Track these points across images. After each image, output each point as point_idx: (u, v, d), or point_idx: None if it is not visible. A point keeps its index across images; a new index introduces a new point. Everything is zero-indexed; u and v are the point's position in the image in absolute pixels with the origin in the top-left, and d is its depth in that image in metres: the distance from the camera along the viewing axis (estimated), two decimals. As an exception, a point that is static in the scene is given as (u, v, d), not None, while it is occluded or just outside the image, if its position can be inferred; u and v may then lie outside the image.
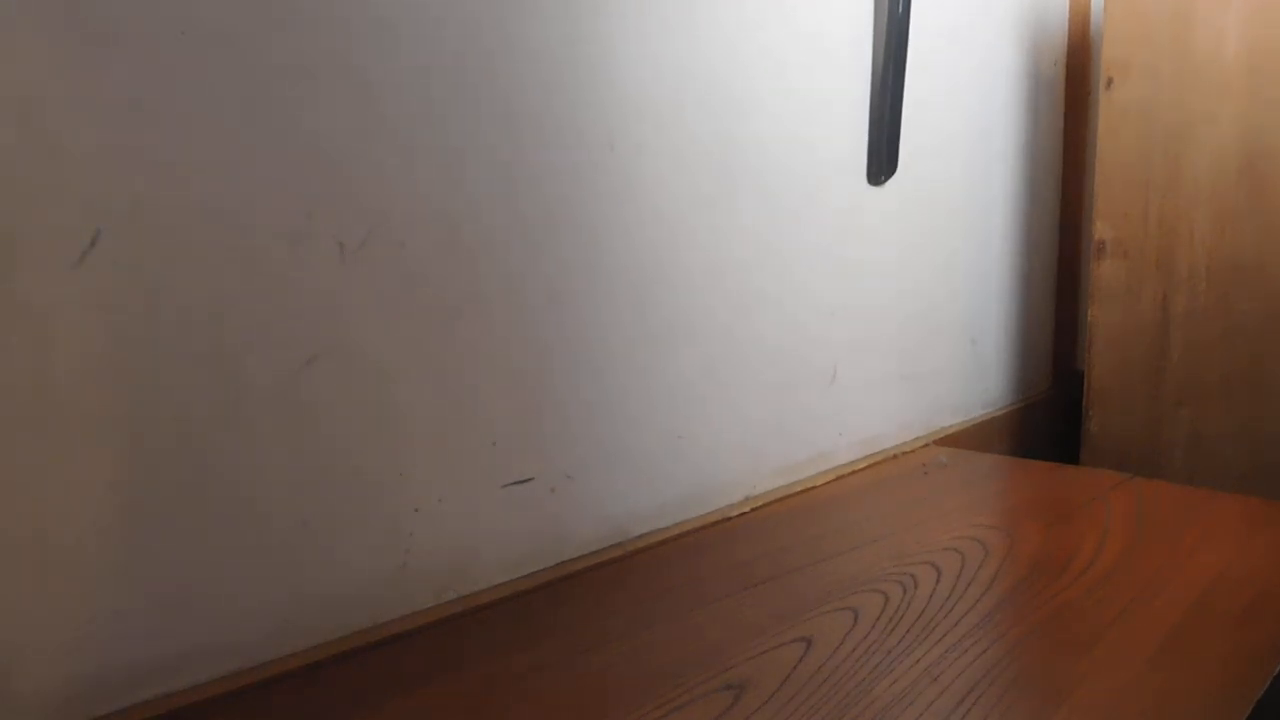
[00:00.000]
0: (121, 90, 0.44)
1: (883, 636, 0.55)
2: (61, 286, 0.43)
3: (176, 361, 0.46)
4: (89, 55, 0.43)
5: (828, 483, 0.86)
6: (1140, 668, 0.52)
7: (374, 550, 0.55)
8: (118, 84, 0.44)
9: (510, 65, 0.59)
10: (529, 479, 0.63)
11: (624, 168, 0.66)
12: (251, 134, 0.48)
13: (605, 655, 0.53)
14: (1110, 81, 1.07)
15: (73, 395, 0.43)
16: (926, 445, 1.00)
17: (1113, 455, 1.10)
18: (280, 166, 0.49)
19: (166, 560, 0.47)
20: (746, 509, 0.77)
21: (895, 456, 0.95)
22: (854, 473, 0.89)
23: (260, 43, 0.48)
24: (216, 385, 0.48)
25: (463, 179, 0.57)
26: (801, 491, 0.83)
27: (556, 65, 0.61)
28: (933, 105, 0.98)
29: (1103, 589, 0.62)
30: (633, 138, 0.67)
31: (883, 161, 0.90)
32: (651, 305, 0.70)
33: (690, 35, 0.70)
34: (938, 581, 0.63)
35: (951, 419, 1.08)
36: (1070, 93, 1.26)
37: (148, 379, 0.45)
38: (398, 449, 0.55)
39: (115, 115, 0.44)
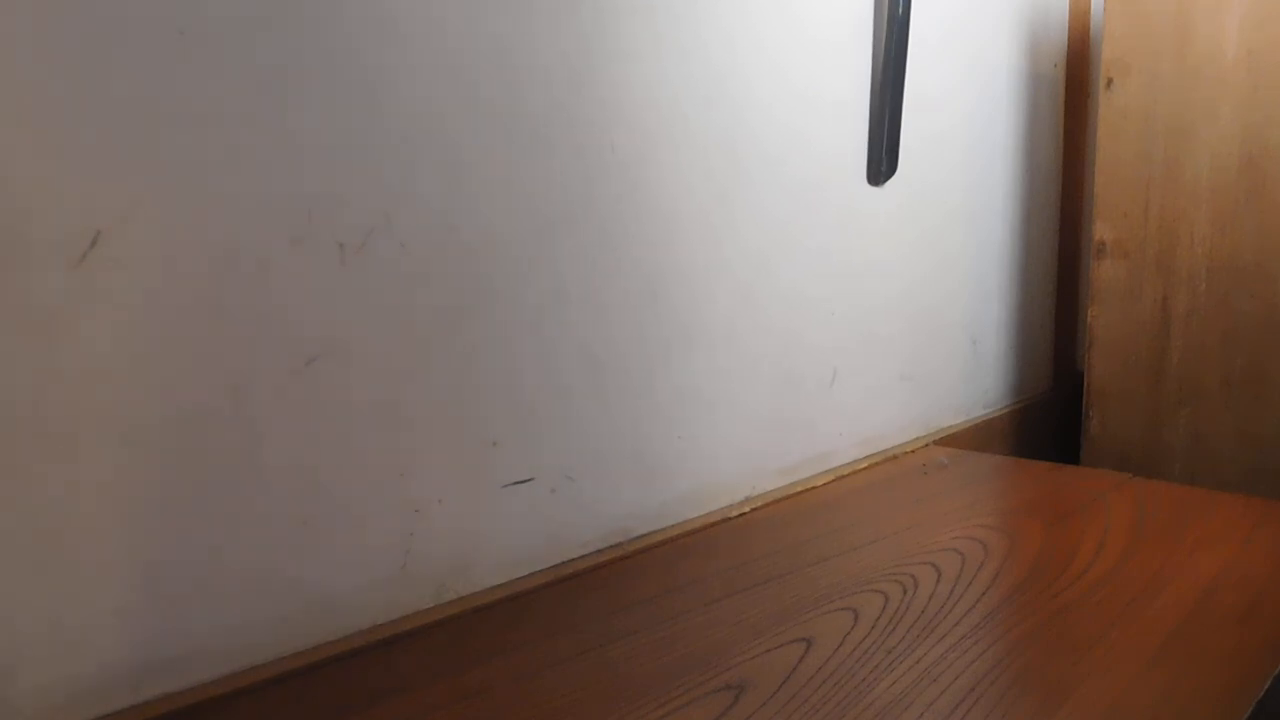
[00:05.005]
0: (121, 90, 0.44)
1: (883, 637, 0.55)
2: (62, 286, 0.43)
3: (178, 361, 0.46)
4: (89, 55, 0.43)
5: (828, 483, 0.86)
6: (1141, 668, 0.52)
7: (374, 550, 0.55)
8: (118, 84, 0.44)
9: (511, 65, 0.59)
10: (529, 479, 0.63)
11: (624, 168, 0.66)
12: (251, 134, 0.48)
13: (604, 655, 0.53)
14: (1110, 82, 1.07)
15: (73, 395, 0.43)
16: (927, 445, 1.00)
17: (1113, 455, 1.10)
18: (280, 166, 0.49)
19: (166, 560, 0.47)
20: (747, 509, 0.77)
21: (895, 457, 0.95)
22: (854, 473, 0.89)
23: (261, 42, 0.48)
24: (217, 385, 0.48)
25: (463, 180, 0.57)
26: (802, 492, 0.83)
27: (558, 66, 0.61)
28: (933, 106, 0.98)
29: (1103, 589, 0.62)
30: (634, 139, 0.67)
31: (883, 162, 0.90)
32: (651, 306, 0.70)
33: (691, 36, 0.70)
34: (938, 582, 0.63)
35: (952, 419, 1.08)
36: (1070, 93, 1.26)
37: (149, 379, 0.45)
38: (398, 449, 0.55)
39: (115, 115, 0.44)
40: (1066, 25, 1.25)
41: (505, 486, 0.61)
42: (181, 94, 0.46)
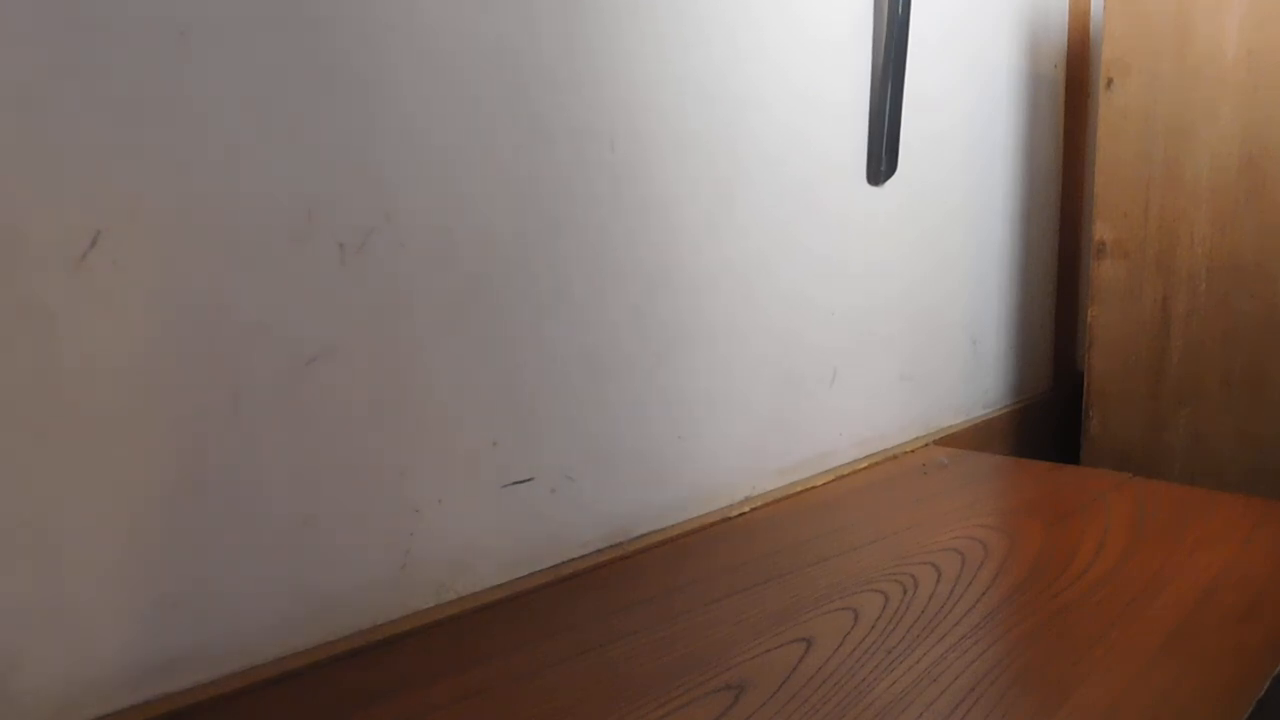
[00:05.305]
0: (122, 89, 0.44)
1: (883, 637, 0.55)
2: (63, 286, 0.43)
3: (178, 361, 0.46)
4: (89, 54, 0.43)
5: (828, 483, 0.86)
6: (1141, 667, 0.52)
7: (374, 550, 0.55)
8: (118, 83, 0.44)
9: (510, 65, 0.59)
10: (529, 479, 0.63)
11: (624, 168, 0.66)
12: (252, 134, 0.48)
13: (604, 655, 0.53)
14: (1110, 82, 1.07)
15: (74, 395, 0.43)
16: (927, 445, 1.00)
17: (1113, 455, 1.10)
18: (280, 166, 0.49)
19: (167, 560, 0.47)
20: (747, 509, 0.77)
21: (895, 457, 0.95)
22: (854, 473, 0.89)
23: (260, 43, 0.48)
24: (218, 385, 0.48)
25: (462, 179, 0.57)
26: (802, 491, 0.83)
27: (557, 65, 0.61)
28: (933, 106, 0.98)
29: (1103, 589, 0.62)
30: (633, 138, 0.67)
31: (883, 162, 0.90)
32: (651, 305, 0.70)
33: (690, 36, 0.70)
34: (938, 582, 0.63)
35: (952, 419, 1.09)
36: (1070, 93, 1.27)
37: (149, 379, 0.45)
38: (398, 449, 0.55)
39: (116, 114, 0.44)
40: (1066, 25, 1.25)
41: (505, 486, 0.61)
42: (182, 94, 0.46)
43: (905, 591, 0.61)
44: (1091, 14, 1.26)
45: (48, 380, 0.42)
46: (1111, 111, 1.07)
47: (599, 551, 0.67)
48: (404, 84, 0.54)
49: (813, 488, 0.84)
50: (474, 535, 0.60)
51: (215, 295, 0.47)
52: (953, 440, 1.05)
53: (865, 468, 0.91)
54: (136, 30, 0.44)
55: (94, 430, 0.44)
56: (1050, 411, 1.28)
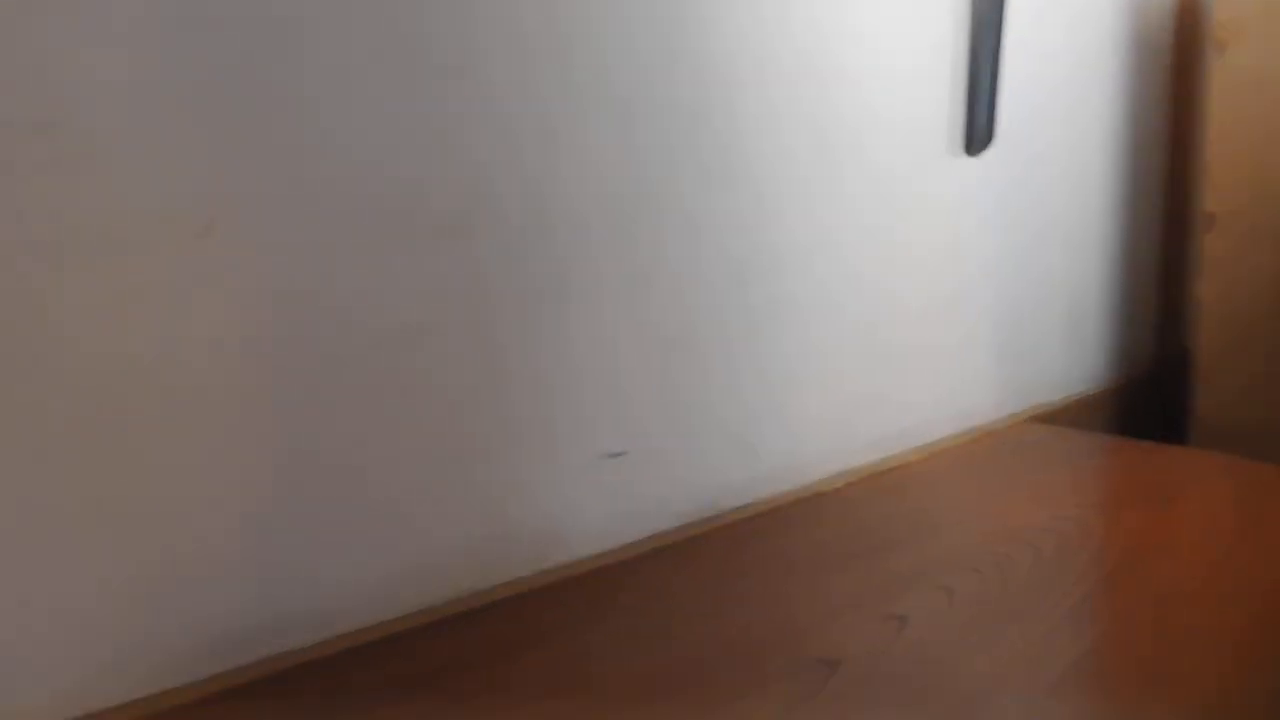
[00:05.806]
0: (230, 82, 0.45)
1: (978, 616, 0.54)
2: (179, 266, 0.45)
3: (283, 341, 0.48)
4: (198, 49, 0.44)
5: (922, 459, 0.85)
6: (1246, 659, 0.50)
7: (468, 521, 0.56)
8: (226, 76, 0.45)
9: (598, 47, 0.59)
10: (622, 452, 0.63)
11: (715, 144, 0.66)
12: (352, 121, 0.49)
13: (697, 628, 0.54)
14: (1223, 44, 1.02)
15: (187, 373, 0.45)
16: (1024, 422, 0.98)
17: (1220, 435, 1.06)
18: (380, 152, 0.51)
19: (268, 529, 0.49)
20: (839, 484, 0.77)
21: (991, 433, 0.93)
22: (949, 449, 0.88)
23: (358, 32, 0.49)
24: (322, 363, 0.50)
25: (556, 160, 0.58)
26: (895, 467, 0.82)
27: (648, 42, 0.61)
28: (1031, 73, 0.96)
29: (1208, 575, 0.60)
30: (724, 113, 0.66)
31: (980, 132, 0.88)
32: (747, 281, 0.69)
33: (777, 6, 0.69)
34: (1034, 563, 0.62)
35: (1050, 395, 1.06)
36: (1179, 57, 1.21)
37: (254, 358, 0.47)
38: (495, 422, 0.57)
39: (225, 107, 0.45)
40: (1177, -14, 1.19)
41: (598, 459, 0.62)
42: (286, 85, 0.47)
43: (1001, 572, 0.60)
44: (1204, -27, 1.21)
45: (174, 356, 0.45)
46: (1224, 75, 1.03)
47: (691, 525, 0.68)
48: (496, 68, 0.55)
49: (906, 463, 0.83)
50: (566, 508, 0.61)
51: (320, 274, 0.49)
52: (1051, 417, 1.02)
53: (960, 444, 0.90)
54: (240, 25, 0.45)
55: (206, 406, 0.46)
56: (1155, 389, 1.24)
